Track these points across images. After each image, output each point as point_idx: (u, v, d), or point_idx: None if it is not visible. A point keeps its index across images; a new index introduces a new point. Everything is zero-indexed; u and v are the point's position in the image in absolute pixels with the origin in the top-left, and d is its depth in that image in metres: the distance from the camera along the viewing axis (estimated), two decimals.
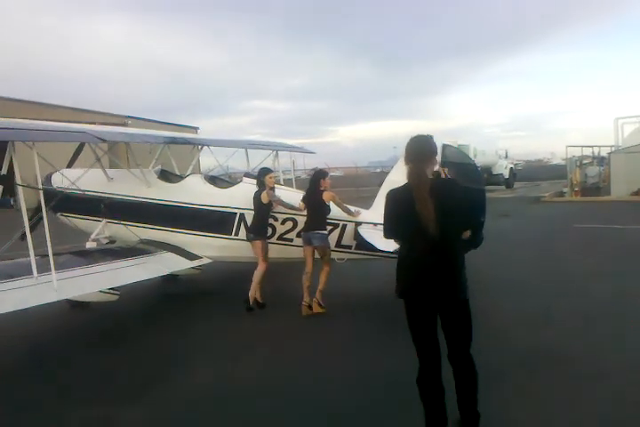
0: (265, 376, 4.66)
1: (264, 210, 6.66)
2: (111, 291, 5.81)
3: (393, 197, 3.39)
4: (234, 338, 5.75)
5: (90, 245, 7.40)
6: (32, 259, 5.03)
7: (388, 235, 3.51)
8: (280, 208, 6.73)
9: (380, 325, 5.85)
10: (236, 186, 7.38)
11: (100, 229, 7.55)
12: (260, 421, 3.87)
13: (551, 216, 16.66)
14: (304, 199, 6.67)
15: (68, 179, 7.21)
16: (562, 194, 23.18)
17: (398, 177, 6.84)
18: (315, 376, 4.60)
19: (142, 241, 7.05)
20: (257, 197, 6.66)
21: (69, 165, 8.13)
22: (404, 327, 3.39)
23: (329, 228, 6.54)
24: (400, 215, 3.32)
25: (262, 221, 6.66)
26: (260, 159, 9.01)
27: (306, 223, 6.54)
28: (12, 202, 31.32)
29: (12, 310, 4.44)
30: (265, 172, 6.90)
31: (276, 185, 6.98)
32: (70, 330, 6.22)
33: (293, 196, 6.90)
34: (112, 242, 7.77)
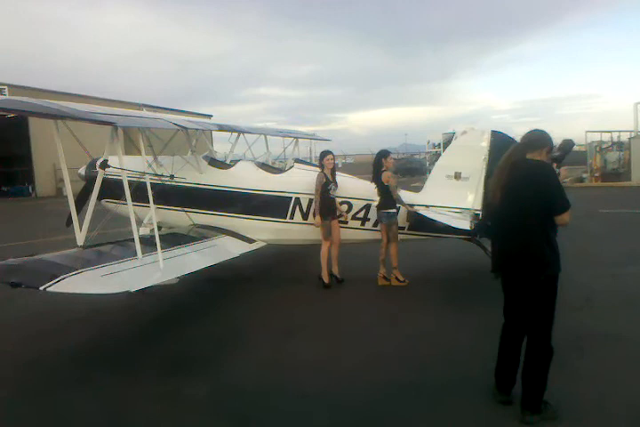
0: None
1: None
2: None
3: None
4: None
5: (143, 230, 7.58)
6: (136, 240, 5.20)
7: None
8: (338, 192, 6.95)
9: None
10: (288, 171, 7.57)
11: (150, 216, 7.70)
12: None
13: (576, 201, 16.69)
14: (372, 179, 6.92)
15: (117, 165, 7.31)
16: (582, 179, 23.17)
17: (447, 162, 7.07)
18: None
19: (197, 226, 7.19)
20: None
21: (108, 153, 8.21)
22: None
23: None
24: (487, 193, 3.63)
25: (329, 202, 6.85)
26: (279, 147, 9.39)
27: (379, 202, 6.79)
28: (30, 190, 31.63)
29: (121, 290, 4.42)
30: (324, 154, 7.07)
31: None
32: (134, 313, 6.36)
33: (346, 180, 7.19)
34: (159, 228, 7.92)
